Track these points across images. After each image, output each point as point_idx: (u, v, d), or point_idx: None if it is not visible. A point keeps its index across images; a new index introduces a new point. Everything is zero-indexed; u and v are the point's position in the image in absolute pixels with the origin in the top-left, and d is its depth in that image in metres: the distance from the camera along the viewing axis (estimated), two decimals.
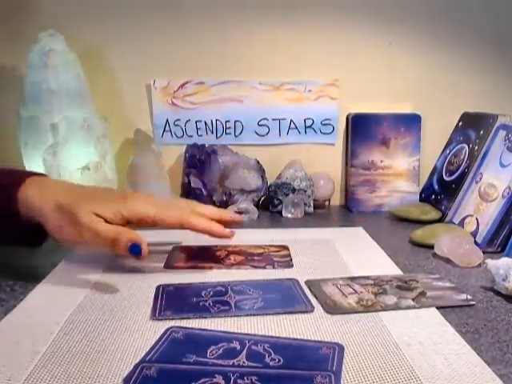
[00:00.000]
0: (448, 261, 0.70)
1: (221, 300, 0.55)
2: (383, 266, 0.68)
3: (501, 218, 0.75)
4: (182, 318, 0.51)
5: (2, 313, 0.53)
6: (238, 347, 0.45)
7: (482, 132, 0.88)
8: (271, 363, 0.42)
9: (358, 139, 1.01)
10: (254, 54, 1.00)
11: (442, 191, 0.95)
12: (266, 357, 0.43)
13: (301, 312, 0.53)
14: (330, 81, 1.01)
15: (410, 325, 0.50)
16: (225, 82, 1.00)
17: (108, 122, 0.92)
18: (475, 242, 0.74)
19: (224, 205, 0.94)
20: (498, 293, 0.59)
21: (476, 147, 0.88)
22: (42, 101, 0.85)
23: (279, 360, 0.43)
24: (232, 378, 0.40)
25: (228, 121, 1.02)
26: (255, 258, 0.70)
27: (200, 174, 0.96)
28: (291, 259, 0.70)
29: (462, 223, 0.83)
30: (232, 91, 1.01)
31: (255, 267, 0.67)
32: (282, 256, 0.71)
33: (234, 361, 0.42)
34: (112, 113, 0.95)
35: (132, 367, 0.42)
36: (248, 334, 0.48)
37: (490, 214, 0.76)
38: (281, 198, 0.96)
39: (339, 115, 1.03)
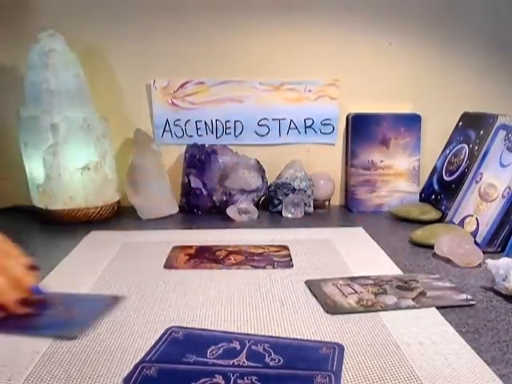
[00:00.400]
0: (448, 261, 0.70)
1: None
2: (383, 266, 0.68)
3: (501, 218, 0.75)
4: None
5: None
6: (238, 347, 0.45)
7: (482, 132, 0.88)
8: (271, 363, 0.42)
9: (358, 139, 1.01)
10: (254, 54, 1.00)
11: (442, 191, 0.95)
12: (266, 357, 0.43)
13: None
14: (330, 81, 1.01)
15: (409, 325, 0.50)
16: (225, 82, 1.00)
17: (108, 122, 0.92)
18: (475, 242, 0.74)
19: (224, 205, 0.95)
20: (498, 293, 0.59)
21: (476, 147, 0.88)
22: (41, 101, 0.85)
23: (279, 360, 0.43)
24: (232, 378, 0.40)
25: (228, 121, 1.02)
26: (255, 257, 0.70)
27: (200, 174, 0.96)
28: (291, 259, 0.70)
29: (462, 223, 0.83)
30: (232, 91, 1.01)
31: (255, 267, 0.67)
32: (282, 256, 0.71)
33: (234, 361, 0.42)
34: (112, 113, 0.95)
35: (132, 367, 0.42)
36: (248, 334, 0.48)
37: (490, 214, 0.76)
38: (281, 198, 0.96)
39: (339, 115, 1.03)
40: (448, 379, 0.41)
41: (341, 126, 1.04)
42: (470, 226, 0.80)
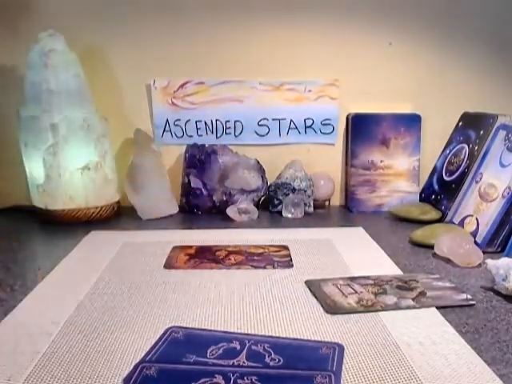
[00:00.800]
0: (448, 261, 0.70)
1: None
2: (383, 265, 0.68)
3: (501, 218, 0.75)
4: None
5: (2, 313, 0.53)
6: (238, 347, 0.45)
7: (482, 132, 0.88)
8: (271, 363, 0.42)
9: (358, 139, 1.01)
10: (253, 54, 1.00)
11: (442, 191, 0.95)
12: (266, 357, 0.43)
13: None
14: (330, 81, 1.01)
15: (410, 325, 0.50)
16: (225, 82, 1.00)
17: (108, 122, 0.92)
18: (475, 242, 0.74)
19: (224, 205, 0.95)
20: (498, 293, 0.59)
21: (476, 147, 0.88)
22: (41, 101, 0.85)
23: (279, 360, 0.43)
24: (232, 378, 0.40)
25: (228, 121, 1.02)
26: (255, 257, 0.70)
27: (200, 174, 0.96)
28: (291, 259, 0.70)
29: (462, 223, 0.83)
30: (232, 91, 1.01)
31: (255, 267, 0.67)
32: (282, 256, 0.71)
33: (234, 361, 0.42)
34: (112, 113, 0.95)
35: (132, 367, 0.42)
36: (248, 334, 0.48)
37: (490, 214, 0.76)
38: (281, 198, 0.96)
39: (339, 115, 1.03)
40: (448, 379, 0.41)
41: (341, 126, 1.04)
42: (470, 226, 0.80)
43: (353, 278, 0.62)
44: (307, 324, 0.50)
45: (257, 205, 0.97)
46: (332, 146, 1.05)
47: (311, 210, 0.96)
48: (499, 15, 1.01)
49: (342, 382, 0.40)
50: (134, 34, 0.98)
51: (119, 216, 0.94)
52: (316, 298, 0.56)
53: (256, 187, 0.97)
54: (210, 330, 0.49)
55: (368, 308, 0.54)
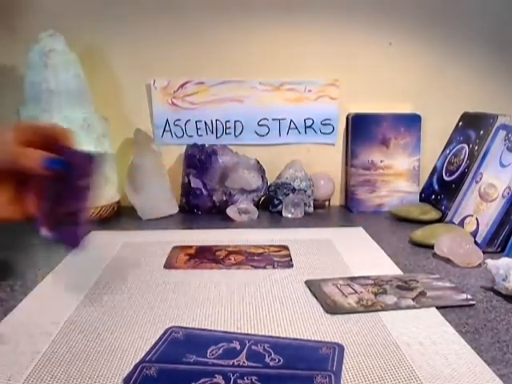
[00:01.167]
0: (448, 261, 0.70)
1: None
2: (383, 265, 0.68)
3: (501, 218, 0.75)
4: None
5: (2, 313, 0.53)
6: (238, 347, 0.45)
7: (481, 132, 0.88)
8: (271, 363, 0.42)
9: (358, 139, 1.01)
10: (254, 54, 1.00)
11: (442, 191, 0.95)
12: (266, 357, 0.43)
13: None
14: (330, 81, 1.01)
15: (410, 325, 0.50)
16: (225, 82, 1.00)
17: (108, 122, 0.92)
18: (475, 242, 0.74)
19: (224, 205, 0.95)
20: (498, 293, 0.59)
21: (476, 147, 0.88)
22: (41, 101, 0.85)
23: (279, 360, 0.43)
24: (232, 378, 0.40)
25: (228, 121, 1.02)
26: (255, 257, 0.70)
27: (200, 174, 0.96)
28: (291, 259, 0.70)
29: (462, 223, 0.83)
30: (232, 91, 1.01)
31: (255, 267, 0.67)
32: (282, 256, 0.71)
33: (234, 361, 0.42)
34: (112, 113, 0.95)
35: (132, 367, 0.42)
36: (248, 334, 0.48)
37: (490, 214, 0.76)
38: (281, 198, 0.96)
39: (339, 115, 1.03)
40: (448, 379, 0.41)
41: (341, 126, 1.04)
42: (470, 226, 0.80)
43: (353, 278, 0.62)
44: (307, 324, 0.50)
45: (257, 205, 0.97)
46: (332, 146, 1.05)
47: (311, 210, 0.96)
48: (499, 15, 1.01)
49: (342, 382, 0.40)
50: (134, 34, 0.98)
51: (119, 216, 0.94)
52: (316, 298, 0.56)
53: (256, 187, 0.97)
54: (210, 330, 0.49)
55: (368, 308, 0.54)
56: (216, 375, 0.40)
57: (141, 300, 0.56)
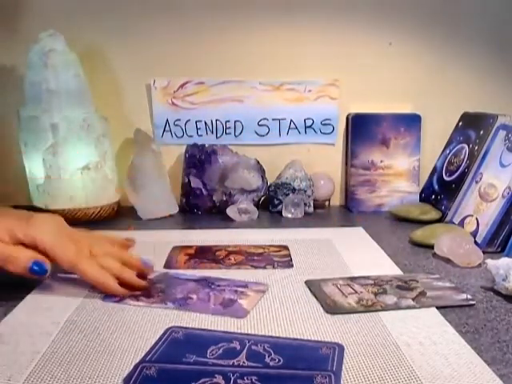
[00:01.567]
0: (448, 261, 0.70)
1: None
2: (383, 265, 0.68)
3: (501, 218, 0.75)
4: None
5: (2, 313, 0.53)
6: (238, 347, 0.45)
7: (481, 132, 0.88)
8: (271, 363, 0.42)
9: (358, 139, 1.01)
10: (254, 54, 1.00)
11: (442, 191, 0.95)
12: (266, 357, 0.43)
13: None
14: (330, 81, 1.01)
15: (410, 325, 0.50)
16: (225, 82, 1.00)
17: (108, 122, 0.92)
18: (475, 242, 0.74)
19: (224, 205, 0.95)
20: (498, 293, 0.59)
21: (476, 147, 0.88)
22: (41, 101, 0.85)
23: (279, 360, 0.43)
24: (232, 378, 0.40)
25: (228, 121, 1.02)
26: (255, 257, 0.70)
27: (200, 174, 0.96)
28: (291, 259, 0.70)
29: (462, 223, 0.83)
30: (232, 91, 1.01)
31: (255, 267, 0.67)
32: (281, 256, 0.71)
33: (234, 361, 0.42)
34: (112, 113, 0.95)
35: (132, 367, 0.42)
36: (248, 334, 0.48)
37: (490, 214, 0.76)
38: (281, 198, 0.96)
39: (339, 115, 1.03)
40: (448, 379, 0.41)
41: (341, 126, 1.04)
42: (470, 226, 0.80)
43: (353, 278, 0.62)
44: (307, 324, 0.50)
45: (257, 205, 0.97)
46: (332, 146, 1.05)
47: (311, 209, 0.96)
48: (499, 15, 1.01)
49: (342, 382, 0.40)
50: (134, 34, 0.98)
51: (119, 216, 0.94)
52: (316, 297, 0.56)
53: (256, 187, 0.97)
54: (210, 330, 0.49)
55: (368, 308, 0.54)
56: (216, 375, 0.40)
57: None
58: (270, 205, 0.98)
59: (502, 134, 0.82)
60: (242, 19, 0.99)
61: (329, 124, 1.03)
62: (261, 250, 0.73)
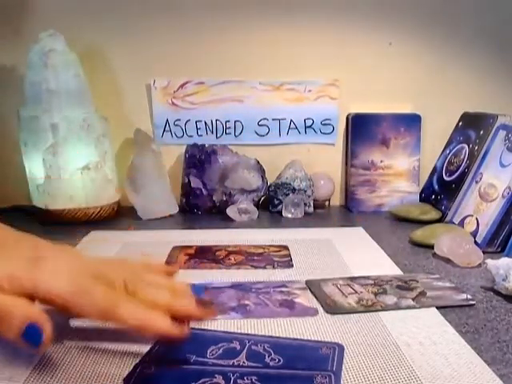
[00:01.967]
0: (448, 261, 0.70)
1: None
2: (383, 266, 0.68)
3: (501, 218, 0.75)
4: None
5: None
6: (238, 347, 0.45)
7: (481, 132, 0.88)
8: (271, 363, 0.42)
9: (358, 139, 1.01)
10: (254, 54, 1.00)
11: (442, 191, 0.95)
12: (266, 357, 0.43)
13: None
14: (330, 81, 1.01)
15: (410, 325, 0.50)
16: (225, 82, 1.00)
17: (108, 122, 0.92)
18: (475, 242, 0.74)
19: (224, 205, 0.95)
20: (498, 293, 0.59)
21: (476, 147, 0.88)
22: (41, 101, 0.85)
23: (279, 360, 0.43)
24: (232, 378, 0.40)
25: (228, 121, 1.02)
26: (255, 257, 0.70)
27: (200, 174, 0.96)
28: (291, 259, 0.70)
29: (462, 223, 0.83)
30: (232, 91, 1.01)
31: (255, 267, 0.67)
32: (281, 256, 0.71)
33: (234, 361, 0.42)
34: (112, 113, 0.95)
35: (132, 367, 0.42)
36: (248, 334, 0.48)
37: (490, 214, 0.76)
38: (281, 198, 0.96)
39: (339, 115, 1.03)
40: (448, 379, 0.41)
41: (341, 126, 1.04)
42: (470, 226, 0.80)
43: (353, 278, 0.62)
44: (307, 324, 0.50)
45: (257, 205, 0.97)
46: (332, 146, 1.05)
47: (311, 210, 0.96)
48: (499, 15, 1.01)
49: (341, 381, 0.40)
50: (134, 34, 0.98)
51: (119, 216, 0.94)
52: (316, 297, 0.56)
53: (256, 187, 0.97)
54: (210, 330, 0.49)
55: (368, 308, 0.54)
56: (216, 375, 0.40)
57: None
58: (270, 205, 0.98)
59: (502, 133, 0.82)
60: (242, 19, 0.99)
61: (329, 124, 1.03)
62: (261, 250, 0.73)
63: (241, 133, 1.02)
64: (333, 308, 0.54)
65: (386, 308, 0.54)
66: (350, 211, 1.01)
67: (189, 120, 1.01)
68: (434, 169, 1.00)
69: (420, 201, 1.00)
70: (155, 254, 0.72)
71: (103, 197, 0.90)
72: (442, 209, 0.91)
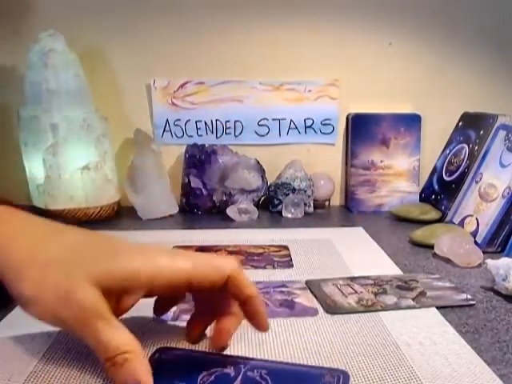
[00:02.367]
0: (448, 261, 0.70)
1: None
2: (383, 265, 0.68)
3: (501, 218, 0.75)
4: None
5: (2, 313, 0.53)
6: (233, 373, 0.40)
7: (481, 132, 0.88)
8: None
9: (358, 139, 1.01)
10: (254, 54, 1.00)
11: (442, 191, 0.95)
12: None
13: None
14: (330, 81, 1.01)
15: (410, 325, 0.50)
16: (225, 82, 1.00)
17: (108, 122, 0.92)
18: (475, 242, 0.74)
19: (224, 205, 0.95)
20: (498, 293, 0.59)
21: (476, 147, 0.88)
22: (41, 101, 0.85)
23: None
24: None
25: (228, 121, 1.02)
26: (255, 257, 0.70)
27: (200, 174, 0.96)
28: (291, 259, 0.70)
29: (462, 223, 0.83)
30: (232, 91, 1.01)
31: (255, 267, 0.67)
32: (281, 256, 0.71)
33: None
34: (112, 113, 0.95)
35: None
36: (244, 358, 0.43)
37: (489, 214, 0.76)
38: (281, 198, 0.96)
39: (339, 115, 1.03)
40: (448, 379, 0.41)
41: (341, 126, 1.04)
42: (470, 226, 0.80)
43: (353, 278, 0.62)
44: (307, 324, 0.50)
45: (257, 205, 0.97)
46: (332, 146, 1.05)
47: (311, 210, 0.97)
48: (499, 15, 1.01)
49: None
50: (134, 34, 0.98)
51: (119, 216, 0.94)
52: (316, 297, 0.56)
53: (256, 187, 0.97)
54: (203, 352, 0.44)
55: (368, 308, 0.54)
56: None
57: (140, 301, 0.56)
58: (270, 205, 0.98)
59: (502, 133, 0.82)
60: (242, 19, 0.99)
61: (329, 124, 1.03)
62: (261, 250, 0.73)
63: (241, 133, 1.02)
64: (333, 308, 0.54)
65: (385, 308, 0.54)
66: (350, 211, 1.01)
67: (189, 120, 1.01)
68: (434, 169, 1.00)
69: (420, 201, 1.00)
70: None
71: (103, 197, 0.90)
72: (442, 209, 0.91)
